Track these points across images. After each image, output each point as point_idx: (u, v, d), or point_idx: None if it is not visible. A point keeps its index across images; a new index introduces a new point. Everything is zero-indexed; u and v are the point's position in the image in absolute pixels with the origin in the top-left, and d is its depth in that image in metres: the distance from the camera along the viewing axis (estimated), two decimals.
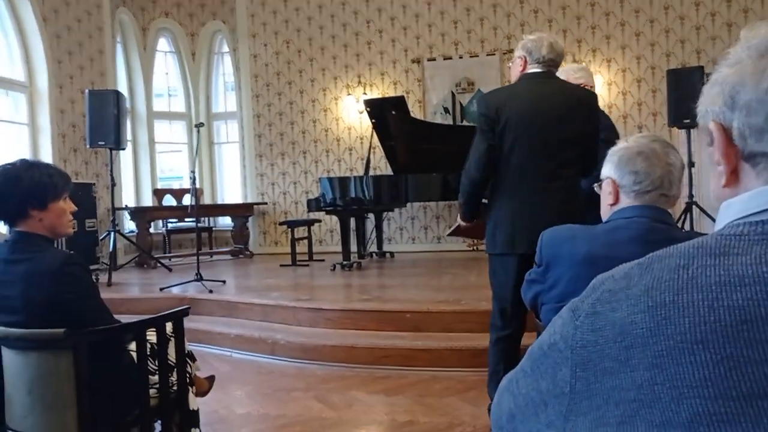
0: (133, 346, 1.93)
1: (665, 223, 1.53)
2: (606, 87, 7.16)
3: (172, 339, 2.10)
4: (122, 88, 7.74)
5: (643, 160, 1.47)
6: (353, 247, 6.27)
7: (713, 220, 5.21)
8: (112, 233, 6.17)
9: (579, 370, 0.56)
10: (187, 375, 2.16)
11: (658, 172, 1.49)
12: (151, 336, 2.01)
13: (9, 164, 1.83)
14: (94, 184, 6.51)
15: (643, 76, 7.06)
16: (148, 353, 1.97)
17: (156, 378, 1.98)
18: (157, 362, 2.00)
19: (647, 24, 7.02)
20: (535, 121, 2.35)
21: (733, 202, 0.58)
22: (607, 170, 1.54)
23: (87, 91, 6.34)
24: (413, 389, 3.22)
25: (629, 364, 0.52)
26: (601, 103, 6.97)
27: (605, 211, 1.62)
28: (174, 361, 2.08)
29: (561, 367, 0.58)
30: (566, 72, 2.91)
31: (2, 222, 1.83)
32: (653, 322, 0.52)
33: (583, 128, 2.38)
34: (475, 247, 7.36)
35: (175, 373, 2.08)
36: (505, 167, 2.41)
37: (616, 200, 1.55)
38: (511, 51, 7.35)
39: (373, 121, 6.37)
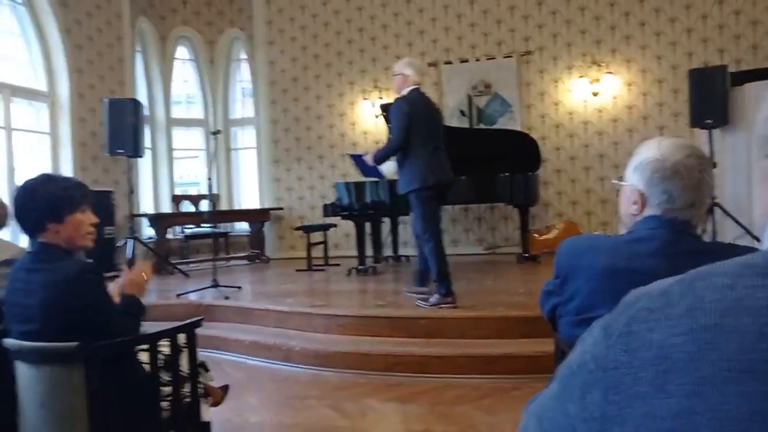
0: (145, 357, 1.94)
1: (688, 234, 1.48)
2: (626, 87, 7.05)
3: (185, 350, 2.11)
4: (141, 96, 7.85)
5: (678, 180, 1.40)
6: (369, 252, 6.27)
7: (736, 221, 5.12)
8: (131, 240, 6.25)
9: (611, 394, 0.52)
10: (200, 386, 2.17)
11: (692, 194, 1.43)
12: (164, 347, 2.02)
13: (30, 179, 1.87)
14: (113, 191, 6.61)
15: (665, 76, 6.94)
16: (161, 365, 1.98)
17: (168, 389, 1.99)
18: (169, 374, 2.01)
19: (668, 23, 6.90)
20: (426, 117, 4.04)
21: None
22: (635, 179, 1.47)
23: (106, 100, 6.44)
24: (427, 397, 3.20)
25: (666, 390, 0.48)
26: (622, 104, 6.99)
27: (626, 217, 1.56)
28: (186, 372, 2.09)
29: (591, 389, 0.54)
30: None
31: (25, 234, 1.87)
32: (695, 345, 0.47)
33: (441, 122, 4.28)
34: (492, 251, 7.31)
35: (187, 385, 2.09)
36: (417, 141, 4.00)
37: (641, 211, 1.50)
38: (530, 53, 7.32)
39: (389, 125, 6.35)
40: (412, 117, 3.95)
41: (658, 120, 6.96)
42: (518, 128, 7.15)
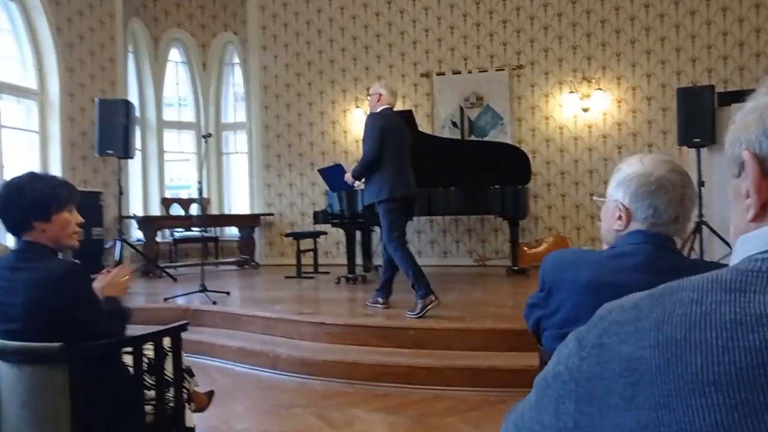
0: (130, 360, 1.91)
1: (671, 251, 1.49)
2: (616, 104, 7.14)
3: (170, 354, 2.09)
4: (133, 97, 7.81)
5: (663, 194, 1.43)
6: (359, 260, 6.25)
7: (723, 240, 5.17)
8: (119, 242, 6.19)
9: (584, 405, 0.53)
10: (185, 391, 2.14)
11: (677, 208, 1.45)
12: (149, 350, 1.99)
13: (16, 177, 1.85)
14: (101, 192, 6.55)
15: (654, 94, 7.03)
16: (145, 368, 1.95)
17: (152, 393, 1.96)
18: (154, 378, 1.98)
19: (658, 42, 7.00)
20: (397, 134, 4.31)
21: (752, 236, 0.55)
22: (620, 195, 1.48)
23: (97, 99, 6.39)
24: (414, 408, 3.18)
25: (635, 402, 0.49)
26: (611, 121, 7.06)
27: (609, 233, 1.58)
28: (171, 376, 2.07)
29: (565, 400, 0.55)
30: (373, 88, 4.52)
31: (9, 232, 1.85)
32: (663, 358, 0.48)
33: (408, 139, 4.45)
34: (482, 263, 7.33)
35: (172, 389, 2.06)
36: (388, 155, 4.21)
37: (627, 226, 1.51)
38: (521, 66, 7.39)
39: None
40: (385, 132, 4.19)
41: (647, 137, 7.04)
42: (509, 141, 7.20)
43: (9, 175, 6.01)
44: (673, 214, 1.45)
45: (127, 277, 2.07)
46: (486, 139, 7.41)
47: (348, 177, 4.51)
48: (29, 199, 1.80)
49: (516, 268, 6.30)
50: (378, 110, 4.32)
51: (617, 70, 7.14)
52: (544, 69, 7.37)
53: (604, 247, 1.65)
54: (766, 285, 0.49)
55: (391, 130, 4.23)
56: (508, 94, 7.44)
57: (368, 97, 4.66)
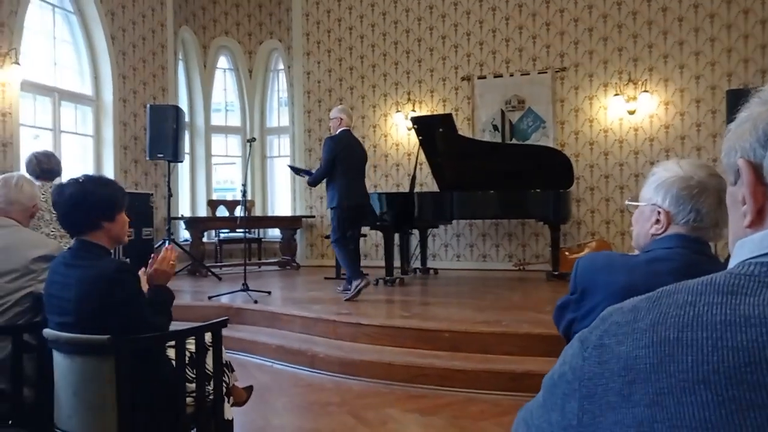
0: (172, 353, 2.02)
1: (708, 255, 1.47)
2: (663, 107, 6.95)
3: (211, 349, 2.18)
4: (182, 103, 8.11)
5: (705, 198, 1.41)
6: (397, 263, 6.29)
7: None
8: (167, 241, 6.43)
9: (586, 403, 0.55)
10: (224, 385, 2.23)
11: (717, 213, 1.43)
12: (191, 345, 2.09)
13: (77, 180, 1.96)
14: (152, 194, 6.82)
15: (703, 96, 6.82)
16: (187, 362, 2.05)
17: (193, 386, 2.06)
18: (194, 371, 2.08)
19: (708, 43, 6.79)
20: (350, 153, 5.19)
21: (747, 241, 0.56)
22: (659, 198, 1.46)
23: (148, 105, 6.67)
24: (448, 410, 3.19)
25: (631, 399, 0.51)
26: (658, 124, 6.88)
27: (644, 238, 1.56)
28: (211, 370, 2.16)
29: (569, 399, 0.58)
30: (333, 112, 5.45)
31: (70, 231, 1.95)
32: (656, 358, 0.51)
33: (364, 157, 5.45)
34: (522, 267, 7.26)
35: (212, 383, 2.15)
36: (340, 170, 5.08)
37: (665, 230, 1.49)
38: (565, 69, 7.30)
39: (420, 138, 6.41)
40: (336, 153, 5.09)
41: (696, 141, 6.83)
42: (551, 144, 7.11)
43: (68, 176, 6.32)
44: (713, 218, 1.43)
45: (172, 262, 2.14)
46: (527, 142, 7.34)
47: (306, 182, 5.50)
48: (98, 200, 1.93)
49: (556, 273, 6.21)
50: (337, 132, 5.23)
51: (665, 72, 6.95)
52: (588, 71, 7.26)
53: (636, 252, 1.64)
54: (757, 287, 0.51)
55: (343, 151, 5.14)
56: (551, 97, 7.35)
57: (330, 119, 5.48)
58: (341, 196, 5.08)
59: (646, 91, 6.94)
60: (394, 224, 6.05)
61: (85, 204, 1.90)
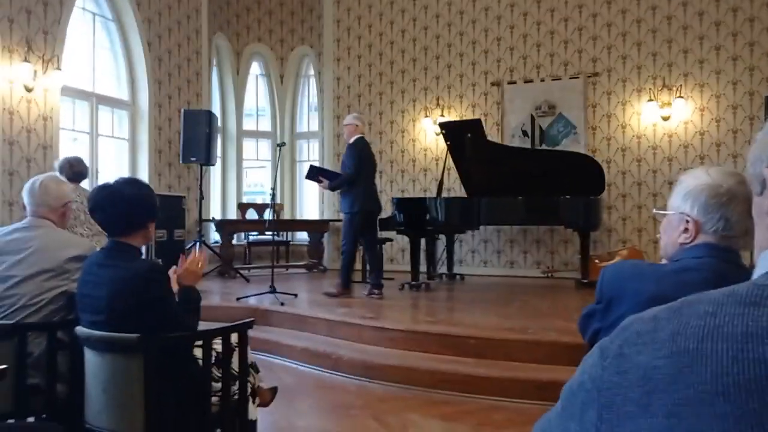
0: (199, 353, 2.06)
1: (738, 265, 1.44)
2: (698, 113, 6.80)
3: (237, 349, 2.22)
4: (215, 108, 8.28)
5: (735, 206, 1.38)
6: (423, 268, 6.29)
7: None
8: (198, 243, 6.56)
9: (605, 413, 0.55)
10: (249, 385, 2.27)
11: (747, 221, 1.40)
12: (217, 345, 2.14)
13: (121, 181, 2.03)
14: (184, 196, 6.98)
15: (740, 102, 6.63)
16: (213, 362, 2.10)
17: (219, 386, 2.10)
18: (220, 371, 2.12)
19: (746, 47, 6.61)
20: (369, 160, 5.43)
21: None
22: (687, 206, 1.43)
23: (182, 110, 6.83)
24: (471, 417, 3.18)
25: (649, 410, 0.51)
26: (693, 130, 6.73)
27: (672, 247, 1.53)
28: (237, 371, 2.20)
29: (588, 408, 0.57)
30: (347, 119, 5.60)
31: (115, 232, 1.97)
32: (675, 368, 0.50)
33: (375, 163, 5.68)
34: (550, 275, 7.17)
35: (237, 383, 2.19)
36: (363, 175, 5.29)
37: (694, 239, 1.47)
38: (597, 74, 7.19)
39: (448, 143, 6.40)
40: (362, 159, 5.27)
41: (732, 147, 6.65)
42: (582, 150, 7.02)
43: (104, 178, 6.52)
44: (743, 227, 1.40)
45: (201, 264, 2.19)
46: (558, 148, 7.26)
47: (324, 185, 5.44)
48: (151, 203, 2.03)
49: (586, 281, 6.11)
50: (354, 139, 5.34)
51: (700, 77, 6.80)
52: (621, 76, 7.14)
53: (663, 261, 1.61)
54: None
55: (366, 157, 5.33)
56: (582, 103, 7.26)
57: (345, 126, 5.55)
58: (363, 201, 5.27)
59: (680, 96, 6.80)
60: (420, 229, 6.05)
61: (142, 206, 1.99)
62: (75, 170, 3.96)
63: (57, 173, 3.53)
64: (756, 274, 0.57)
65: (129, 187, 2.00)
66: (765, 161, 0.57)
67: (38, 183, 2.30)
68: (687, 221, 1.44)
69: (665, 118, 6.87)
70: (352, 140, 5.38)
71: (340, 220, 8.45)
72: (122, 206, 1.96)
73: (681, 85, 6.83)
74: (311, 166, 5.85)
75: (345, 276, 5.46)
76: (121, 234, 1.98)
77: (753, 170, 0.59)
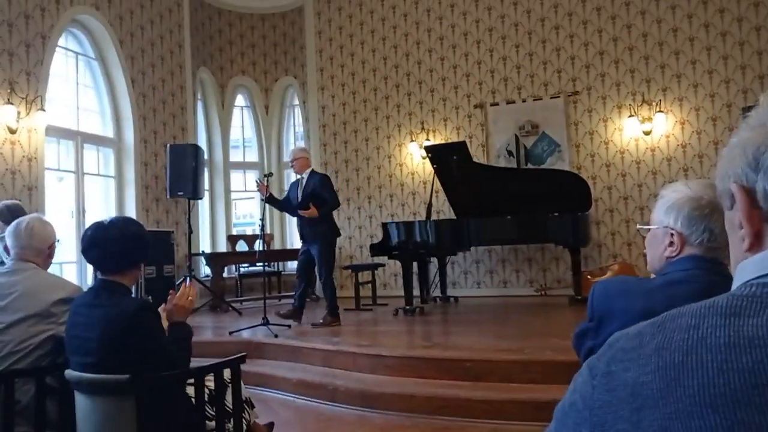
0: (191, 391, 2.02)
1: (722, 275, 1.45)
2: (679, 126, 6.91)
3: (230, 385, 2.18)
4: (201, 141, 8.28)
5: (718, 217, 1.37)
6: (416, 292, 6.26)
7: None
8: (188, 278, 6.49)
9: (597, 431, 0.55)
10: (245, 422, 2.23)
11: None
12: (210, 382, 2.10)
13: (117, 221, 2.03)
14: (173, 231, 6.93)
15: (719, 114, 6.76)
16: (207, 399, 2.06)
17: (213, 425, 2.06)
18: (214, 409, 2.08)
19: (720, 61, 6.76)
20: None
21: (748, 263, 0.57)
22: (671, 220, 1.44)
23: (168, 145, 6.83)
24: None
25: (640, 426, 0.51)
26: (675, 143, 6.84)
27: (658, 261, 1.54)
28: (231, 407, 2.16)
29: (581, 428, 0.57)
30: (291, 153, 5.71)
31: (108, 270, 1.97)
32: (663, 382, 0.51)
33: None
34: (543, 292, 7.17)
35: (232, 421, 2.15)
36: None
37: (680, 252, 1.48)
38: (577, 93, 7.31)
39: (435, 166, 6.45)
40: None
41: (714, 159, 6.75)
42: (567, 167, 7.09)
43: (91, 216, 6.44)
44: (727, 238, 1.41)
45: (190, 298, 2.17)
46: (543, 166, 7.33)
47: (311, 212, 5.25)
48: (143, 242, 2.03)
49: (579, 297, 6.11)
50: (308, 171, 5.44)
51: (678, 91, 6.93)
52: (601, 94, 7.27)
53: (652, 276, 1.61)
54: (760, 308, 0.51)
55: None
56: (565, 121, 7.36)
57: (296, 159, 5.48)
58: (336, 228, 5.55)
59: (661, 111, 6.92)
60: (412, 253, 6.05)
61: (135, 245, 1.99)
62: (14, 214, 3.97)
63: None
64: (734, 285, 0.58)
65: (124, 226, 2.00)
66: (732, 177, 0.58)
67: (24, 225, 2.27)
68: (672, 234, 1.46)
69: (647, 133, 6.98)
70: (314, 172, 5.48)
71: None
72: (116, 245, 1.95)
73: (660, 100, 6.96)
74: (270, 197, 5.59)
75: (336, 304, 5.46)
76: (113, 272, 1.97)
77: (722, 186, 0.61)
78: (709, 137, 6.80)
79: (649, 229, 1.54)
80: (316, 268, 5.41)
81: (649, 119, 6.95)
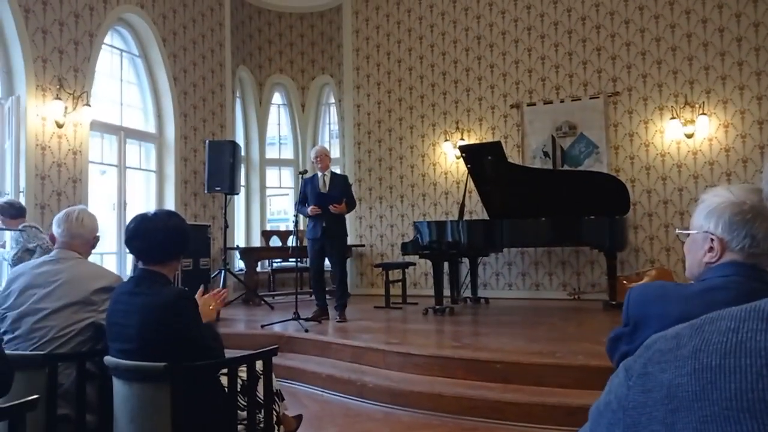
0: (225, 381, 2.07)
1: (764, 282, 1.41)
2: (723, 129, 6.70)
3: (262, 377, 2.23)
4: (239, 138, 8.44)
5: (761, 222, 1.36)
6: (446, 292, 6.24)
7: None
8: (223, 271, 6.63)
9: None
10: (274, 413, 2.27)
11: None
12: (242, 373, 2.14)
13: (167, 214, 2.12)
14: (209, 225, 7.08)
15: (766, 118, 6.53)
16: (239, 390, 2.10)
17: (244, 414, 2.10)
18: (246, 399, 2.13)
19: None
20: None
21: None
22: (711, 225, 1.41)
23: (207, 141, 6.98)
24: None
25: (675, 428, 0.50)
26: (718, 147, 6.62)
27: (698, 267, 1.51)
28: (262, 398, 2.20)
29: (614, 428, 0.57)
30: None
31: (154, 260, 2.05)
32: (699, 385, 0.50)
33: None
34: (576, 296, 7.05)
35: (262, 411, 2.19)
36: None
37: (720, 258, 1.45)
38: (617, 93, 7.16)
39: (469, 166, 6.41)
40: None
41: (759, 164, 6.52)
42: (605, 170, 6.95)
43: (132, 209, 6.64)
44: None
45: (212, 306, 2.24)
46: (580, 168, 7.20)
47: (341, 207, 5.45)
48: (186, 235, 2.12)
49: (614, 302, 6.00)
50: (338, 170, 5.61)
51: (723, 93, 6.72)
52: (642, 95, 7.10)
53: (690, 281, 1.58)
54: None
55: None
56: (604, 122, 7.22)
57: (324, 157, 5.63)
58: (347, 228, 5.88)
59: (704, 113, 6.72)
60: (444, 253, 6.03)
61: (178, 237, 2.07)
62: (16, 207, 4.46)
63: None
64: None
65: (167, 218, 2.07)
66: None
67: (75, 215, 2.36)
68: (712, 239, 1.42)
69: (689, 136, 6.79)
70: (336, 171, 5.84)
71: (362, 245, 8.50)
72: (159, 237, 2.02)
73: (704, 102, 6.76)
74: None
75: (345, 306, 5.82)
76: (155, 263, 2.04)
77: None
78: (754, 141, 6.57)
79: (689, 234, 1.51)
80: (331, 267, 5.67)
81: (692, 122, 6.75)
